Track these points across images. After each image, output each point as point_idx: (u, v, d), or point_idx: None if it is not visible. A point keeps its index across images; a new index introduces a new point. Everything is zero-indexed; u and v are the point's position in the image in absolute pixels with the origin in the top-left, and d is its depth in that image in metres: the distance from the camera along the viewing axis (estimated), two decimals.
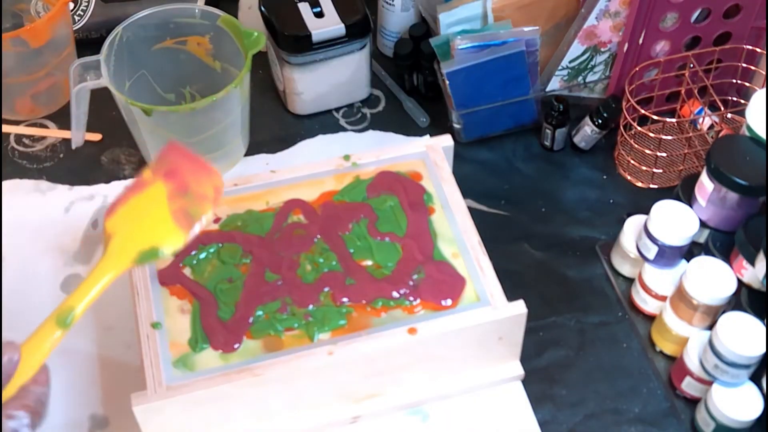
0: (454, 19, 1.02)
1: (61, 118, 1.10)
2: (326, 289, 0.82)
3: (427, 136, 1.09)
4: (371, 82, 1.14)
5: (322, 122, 1.12)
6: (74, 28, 1.15)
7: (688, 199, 0.91)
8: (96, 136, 1.08)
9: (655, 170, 1.03)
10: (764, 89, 0.89)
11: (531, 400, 0.86)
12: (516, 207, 1.03)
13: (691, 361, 0.83)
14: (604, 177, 1.06)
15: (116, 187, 1.05)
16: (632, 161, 1.04)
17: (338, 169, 0.92)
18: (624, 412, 0.86)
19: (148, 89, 1.04)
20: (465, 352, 0.83)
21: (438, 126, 1.10)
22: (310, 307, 0.81)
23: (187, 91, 1.07)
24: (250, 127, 1.07)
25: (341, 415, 0.84)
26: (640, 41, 1.01)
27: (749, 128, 0.88)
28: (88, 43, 1.14)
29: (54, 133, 1.10)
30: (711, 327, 0.83)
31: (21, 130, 1.10)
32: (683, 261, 0.90)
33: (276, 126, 1.12)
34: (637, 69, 1.02)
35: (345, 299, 0.82)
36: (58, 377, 0.89)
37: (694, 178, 0.91)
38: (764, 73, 1.02)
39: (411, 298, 0.82)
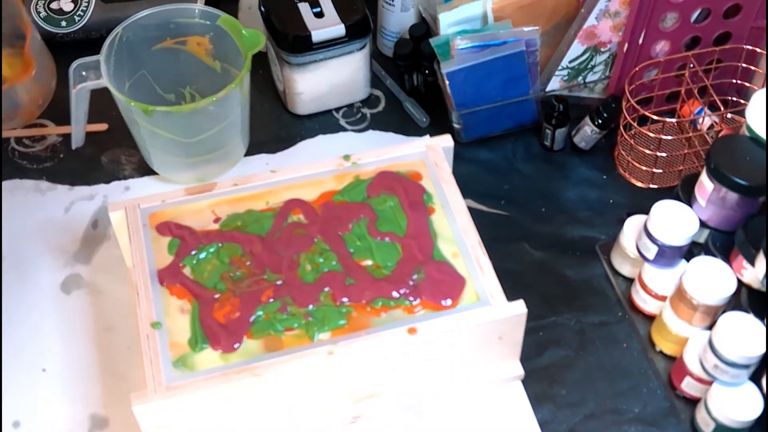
0: (454, 19, 1.02)
1: (61, 117, 1.10)
2: (326, 289, 0.82)
3: (427, 136, 1.09)
4: (371, 82, 1.14)
5: (322, 122, 1.12)
6: (74, 29, 1.15)
7: (688, 199, 0.91)
8: (102, 126, 1.08)
9: (654, 170, 1.03)
10: (764, 89, 0.88)
11: (531, 400, 0.86)
12: (516, 207, 1.03)
13: (691, 361, 0.83)
14: (604, 177, 1.06)
15: (116, 187, 1.05)
16: (632, 161, 1.04)
17: (338, 169, 0.92)
18: (624, 412, 0.86)
19: (148, 89, 1.04)
20: (465, 352, 0.83)
21: (438, 126, 1.10)
22: (310, 307, 0.81)
23: (187, 91, 1.07)
24: (250, 127, 1.07)
25: (341, 415, 0.84)
26: (640, 41, 1.01)
27: (749, 128, 0.88)
28: (88, 43, 1.14)
29: (54, 130, 1.10)
30: (711, 327, 0.83)
31: (20, 132, 1.10)
32: (683, 261, 0.90)
33: (276, 126, 1.12)
34: (637, 69, 1.02)
35: (345, 299, 0.82)
36: (58, 377, 0.89)
37: (694, 178, 0.91)
38: (764, 73, 1.02)
39: (411, 298, 0.82)
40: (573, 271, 0.97)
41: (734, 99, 1.06)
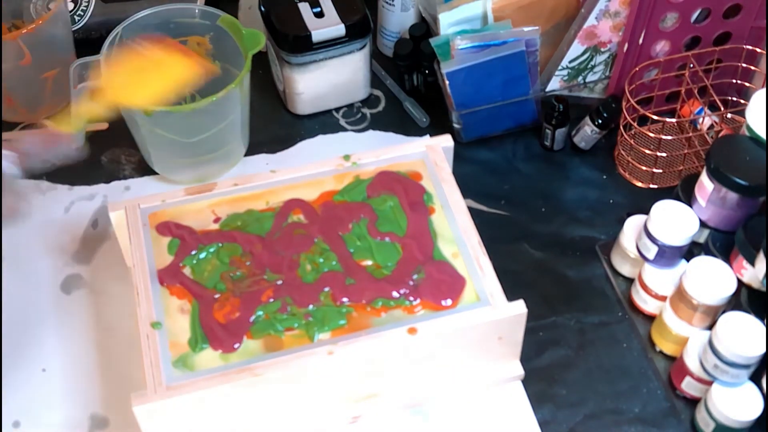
0: (454, 19, 1.02)
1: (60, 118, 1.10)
2: (326, 289, 0.82)
3: (427, 136, 1.09)
4: (371, 82, 1.14)
5: (322, 122, 1.12)
6: (74, 28, 1.15)
7: (688, 199, 0.91)
8: (102, 126, 1.08)
9: (655, 170, 1.03)
10: (764, 89, 0.89)
11: (531, 400, 0.86)
12: (516, 207, 1.03)
13: (691, 361, 0.83)
14: (604, 177, 1.06)
15: (116, 187, 1.05)
16: (632, 161, 1.04)
17: (338, 169, 0.92)
18: (624, 412, 0.86)
19: None
20: (465, 352, 0.83)
21: (438, 126, 1.10)
22: (310, 307, 0.81)
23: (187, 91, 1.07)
24: (250, 127, 1.07)
25: (341, 415, 0.84)
26: (640, 41, 1.01)
27: (749, 128, 0.88)
28: (88, 43, 1.13)
29: (54, 130, 1.10)
30: (711, 327, 0.83)
31: (20, 134, 1.10)
32: (683, 261, 0.90)
33: (276, 126, 1.12)
34: (637, 69, 1.02)
35: (345, 299, 0.82)
36: (58, 377, 0.89)
37: (694, 178, 0.91)
38: (764, 73, 1.02)
39: (411, 298, 0.82)
40: (573, 271, 0.97)
41: (734, 99, 1.06)
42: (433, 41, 1.02)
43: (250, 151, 1.08)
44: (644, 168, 1.03)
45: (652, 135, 1.02)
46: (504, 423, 0.85)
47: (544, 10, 1.04)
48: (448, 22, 1.02)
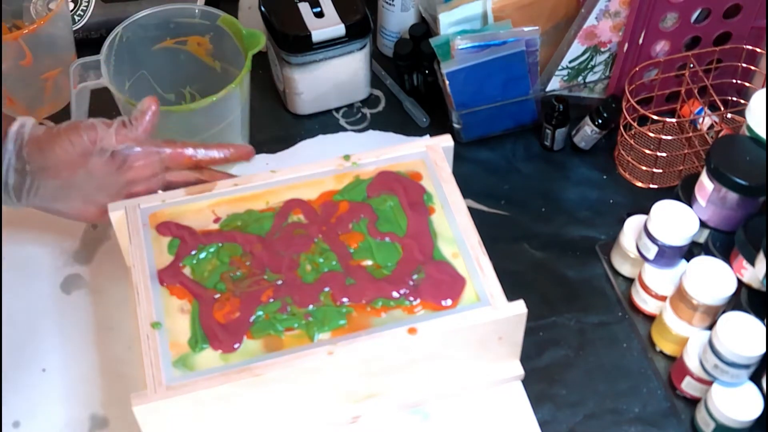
0: (454, 19, 1.02)
1: (61, 117, 1.10)
2: (326, 289, 0.82)
3: (427, 136, 1.09)
4: (371, 82, 1.14)
5: (322, 122, 1.12)
6: (74, 28, 1.15)
7: (688, 199, 0.91)
8: None
9: (655, 170, 1.03)
10: (764, 89, 0.88)
11: (531, 400, 0.86)
12: (516, 207, 1.03)
13: (691, 361, 0.83)
14: (604, 177, 1.06)
15: None
16: (632, 161, 1.04)
17: (338, 169, 0.92)
18: (624, 412, 0.86)
19: (148, 89, 1.04)
20: (465, 352, 0.83)
21: (438, 126, 1.10)
22: (310, 307, 0.81)
23: (187, 91, 1.07)
24: (250, 127, 1.07)
25: (341, 415, 0.84)
26: (640, 41, 1.01)
27: (749, 128, 0.88)
28: (88, 43, 1.14)
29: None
30: (711, 327, 0.83)
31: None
32: (683, 261, 0.90)
33: (276, 126, 1.12)
34: (637, 69, 1.02)
35: (345, 299, 0.82)
36: (58, 377, 0.89)
37: (694, 178, 0.91)
38: (764, 73, 1.02)
39: (411, 298, 0.82)
40: (573, 271, 0.97)
41: (734, 99, 1.06)
42: (433, 41, 1.03)
43: None
44: (644, 168, 1.03)
45: (652, 135, 1.02)
46: (504, 423, 0.85)
47: (544, 10, 1.04)
48: (448, 22, 1.02)
